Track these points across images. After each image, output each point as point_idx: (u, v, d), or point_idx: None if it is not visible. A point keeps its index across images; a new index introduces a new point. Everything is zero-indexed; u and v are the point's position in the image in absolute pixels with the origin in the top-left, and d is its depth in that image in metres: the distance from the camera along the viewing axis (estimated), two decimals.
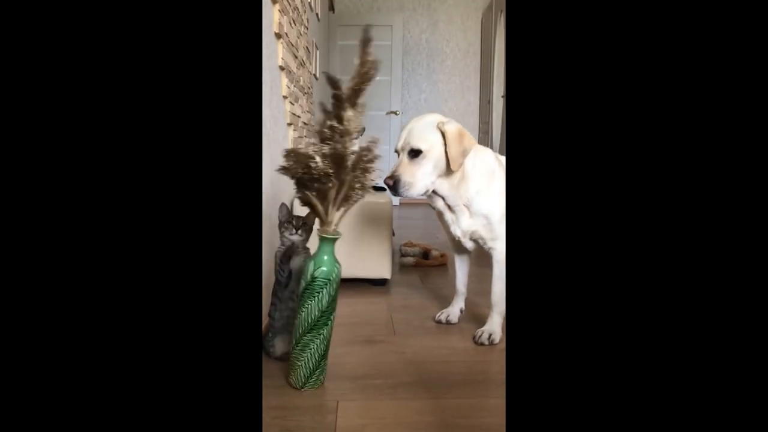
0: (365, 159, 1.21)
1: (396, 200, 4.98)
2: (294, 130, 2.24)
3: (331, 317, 1.24)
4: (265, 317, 1.52)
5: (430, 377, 1.30)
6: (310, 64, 3.13)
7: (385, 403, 1.17)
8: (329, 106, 1.21)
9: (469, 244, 1.65)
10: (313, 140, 3.03)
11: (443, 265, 2.61)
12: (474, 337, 1.57)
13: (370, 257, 2.12)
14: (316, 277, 1.20)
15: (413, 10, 5.48)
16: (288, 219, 1.41)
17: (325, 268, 1.21)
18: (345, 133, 1.17)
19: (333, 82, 1.18)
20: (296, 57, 2.34)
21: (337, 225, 1.24)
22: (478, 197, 1.53)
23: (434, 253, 2.66)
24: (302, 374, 1.21)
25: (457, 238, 1.64)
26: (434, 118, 1.48)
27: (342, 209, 1.24)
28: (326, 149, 1.16)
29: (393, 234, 2.59)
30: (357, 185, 1.22)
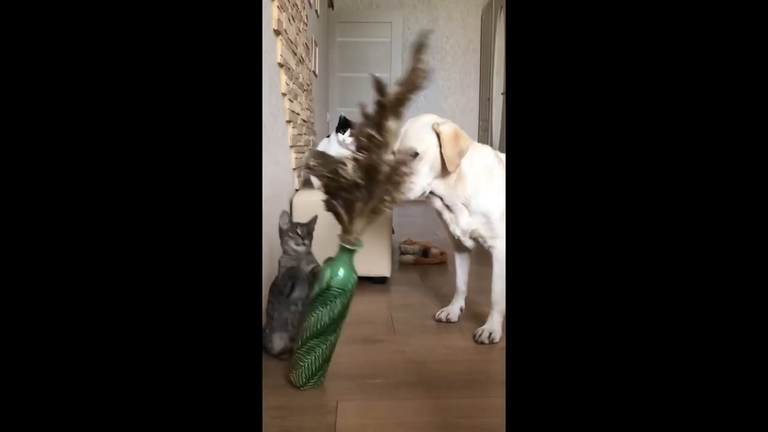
0: (399, 173, 1.13)
1: None
2: (293, 127, 2.23)
3: (341, 324, 1.22)
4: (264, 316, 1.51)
5: (431, 377, 1.30)
6: (310, 61, 3.11)
7: (385, 402, 1.16)
8: (370, 110, 1.12)
9: (469, 243, 1.64)
10: (312, 137, 3.02)
11: (443, 263, 2.60)
12: (474, 336, 1.56)
13: (369, 255, 2.11)
14: (331, 286, 1.17)
15: (413, 7, 5.46)
16: (292, 228, 1.39)
17: (341, 278, 1.18)
18: (383, 145, 1.09)
19: (379, 87, 1.10)
20: (295, 54, 2.33)
21: (359, 235, 1.19)
22: (476, 196, 1.52)
23: (434, 250, 2.65)
24: (304, 375, 1.20)
25: (456, 237, 1.63)
26: (430, 119, 1.47)
27: (367, 220, 1.18)
28: (361, 158, 1.09)
29: (393, 232, 2.58)
30: (387, 198, 1.15)
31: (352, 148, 2.16)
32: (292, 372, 1.22)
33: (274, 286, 1.40)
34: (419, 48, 1.12)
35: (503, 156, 1.65)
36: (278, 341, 1.38)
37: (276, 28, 1.80)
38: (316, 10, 3.63)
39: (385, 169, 1.11)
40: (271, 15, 1.76)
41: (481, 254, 1.71)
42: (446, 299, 1.89)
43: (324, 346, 1.20)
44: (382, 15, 5.40)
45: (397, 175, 1.13)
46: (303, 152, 2.51)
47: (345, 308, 1.20)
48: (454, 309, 1.75)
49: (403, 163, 1.14)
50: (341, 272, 1.18)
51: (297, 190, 2.23)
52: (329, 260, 1.21)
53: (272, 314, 1.37)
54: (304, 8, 2.70)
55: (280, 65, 1.92)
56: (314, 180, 2.23)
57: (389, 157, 1.12)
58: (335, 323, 1.19)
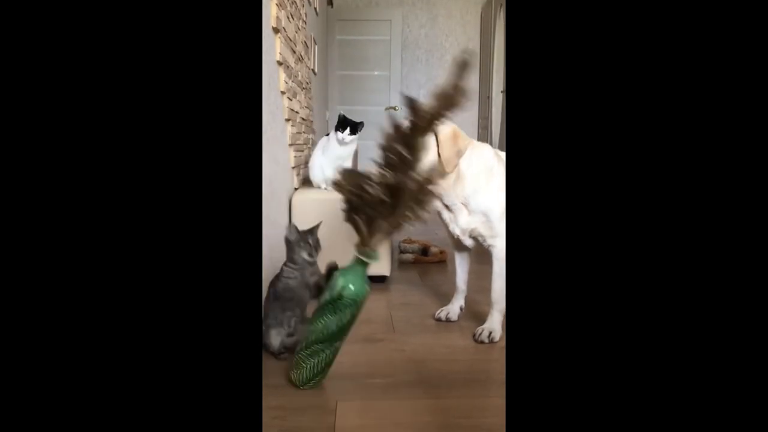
0: (425, 191, 1.09)
1: None
2: (292, 125, 2.22)
3: (348, 332, 1.21)
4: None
5: (430, 376, 1.29)
6: (309, 59, 3.10)
7: (385, 402, 1.15)
8: (402, 123, 1.07)
9: (468, 242, 1.64)
10: (311, 136, 3.00)
11: (443, 262, 2.60)
12: (474, 335, 1.56)
13: None
14: (343, 296, 1.15)
15: (412, 5, 5.44)
16: (303, 238, 1.37)
17: (354, 289, 1.16)
18: (412, 163, 1.05)
19: (413, 106, 1.06)
20: (294, 52, 2.32)
21: (376, 247, 1.16)
22: (475, 195, 1.52)
23: (433, 249, 2.65)
24: (305, 375, 1.20)
25: (456, 236, 1.63)
26: None
27: (386, 234, 1.15)
28: (388, 176, 1.05)
29: None
30: (410, 215, 1.11)
31: (353, 146, 2.16)
32: (293, 371, 1.22)
33: (272, 287, 1.40)
34: (463, 66, 1.08)
35: (503, 154, 1.65)
36: (275, 337, 1.37)
37: (275, 25, 1.79)
38: (315, 8, 3.62)
39: (412, 187, 1.07)
40: (269, 13, 1.75)
41: (480, 253, 1.70)
42: (446, 298, 1.88)
43: (328, 351, 1.19)
44: (382, 13, 5.38)
45: (422, 194, 1.09)
46: (302, 150, 2.50)
47: (354, 318, 1.18)
48: (454, 308, 1.74)
49: (430, 181, 1.10)
50: (355, 283, 1.15)
51: (296, 189, 2.22)
52: (343, 270, 1.19)
53: (269, 312, 1.37)
54: (303, 6, 2.68)
55: (279, 63, 1.91)
56: (314, 178, 2.22)
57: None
58: (342, 332, 1.19)
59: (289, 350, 1.38)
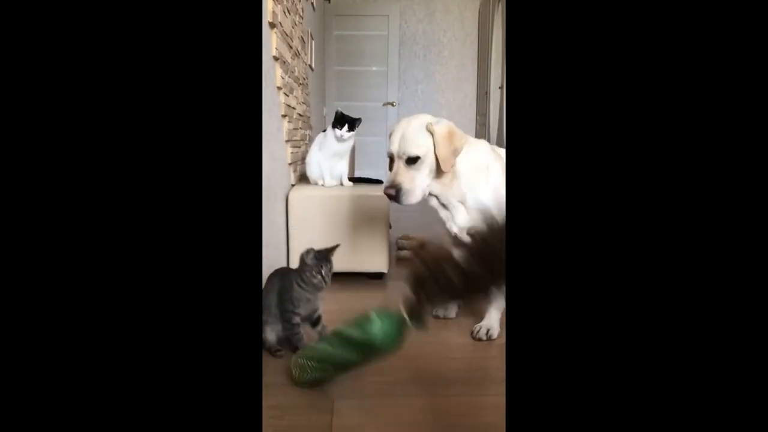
0: (498, 285, 0.99)
1: None
2: (289, 121, 2.20)
3: (352, 370, 1.18)
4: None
5: (428, 374, 1.28)
6: (306, 54, 3.08)
7: (382, 401, 1.15)
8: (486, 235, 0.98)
9: (467, 240, 1.63)
10: (308, 132, 2.98)
11: None
12: (472, 333, 1.55)
13: (366, 251, 2.10)
14: (374, 343, 1.08)
15: (410, 0, 5.42)
16: (322, 260, 1.34)
17: (386, 342, 1.09)
18: (498, 273, 0.92)
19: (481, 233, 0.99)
20: (291, 47, 2.30)
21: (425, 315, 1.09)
22: (473, 192, 1.51)
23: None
24: (306, 377, 1.18)
25: (453, 234, 1.62)
26: (424, 120, 1.44)
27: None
28: (473, 266, 0.93)
29: (390, 227, 2.56)
30: (472, 302, 1.04)
31: (350, 143, 2.14)
32: (294, 369, 1.20)
33: (270, 283, 1.38)
34: None
35: (501, 151, 1.64)
36: (270, 333, 1.37)
37: (271, 20, 1.77)
38: (312, 3, 3.60)
39: (491, 283, 0.98)
40: (266, 7, 1.73)
41: None
42: None
43: (338, 370, 1.17)
44: (379, 8, 5.35)
45: (497, 287, 0.99)
46: (299, 147, 2.49)
47: (367, 362, 1.15)
48: (452, 305, 1.74)
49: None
50: (389, 336, 1.09)
51: (293, 185, 2.21)
52: (381, 314, 1.10)
53: (265, 307, 1.36)
54: (299, 1, 2.66)
55: (276, 59, 1.89)
56: (311, 174, 2.20)
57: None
58: (346, 369, 1.16)
59: (283, 345, 1.38)
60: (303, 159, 2.53)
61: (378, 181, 2.39)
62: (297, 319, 1.34)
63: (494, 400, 1.16)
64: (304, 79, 2.90)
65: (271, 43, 1.83)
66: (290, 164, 2.23)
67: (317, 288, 1.35)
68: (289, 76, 2.22)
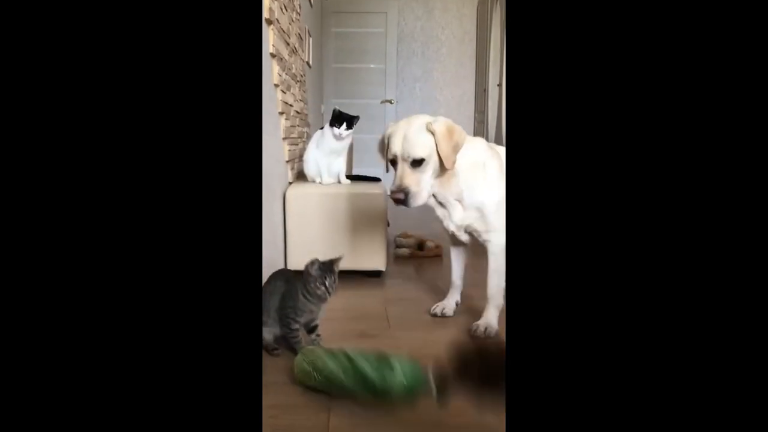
0: None
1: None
2: (286, 119, 2.19)
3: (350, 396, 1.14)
4: None
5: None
6: (303, 51, 3.07)
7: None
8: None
9: (464, 237, 1.63)
10: (306, 129, 2.97)
11: (438, 257, 2.58)
12: (470, 331, 1.54)
13: (364, 249, 2.09)
14: (390, 393, 1.03)
15: None
16: (327, 271, 1.32)
17: (401, 398, 1.04)
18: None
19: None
20: (288, 44, 2.28)
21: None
22: (469, 190, 1.50)
23: (429, 244, 2.63)
24: (308, 385, 1.16)
25: (451, 232, 1.62)
26: (423, 121, 1.43)
27: None
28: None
29: (388, 225, 2.55)
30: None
31: (348, 140, 2.13)
32: (299, 372, 1.17)
33: (269, 284, 1.38)
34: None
35: (499, 148, 1.63)
36: (268, 333, 1.36)
37: (268, 17, 1.76)
38: (310, 0, 3.58)
39: None
40: (262, 3, 1.71)
41: (477, 247, 1.69)
42: (442, 293, 1.87)
43: (341, 393, 1.12)
44: (377, 5, 5.33)
45: None
46: (296, 144, 2.48)
47: (368, 399, 1.09)
48: (450, 303, 1.73)
49: None
50: (407, 395, 1.04)
51: (290, 183, 2.20)
52: (405, 364, 1.06)
53: (263, 307, 1.35)
54: None
55: (273, 55, 1.88)
56: (308, 171, 2.19)
57: None
58: (345, 394, 1.11)
59: (280, 344, 1.37)
60: (301, 156, 2.51)
61: (376, 179, 2.38)
62: (297, 326, 1.34)
63: (492, 398, 1.15)
64: (301, 76, 2.89)
65: (268, 39, 1.82)
66: (287, 162, 2.22)
67: (321, 299, 1.34)
68: (286, 73, 2.20)
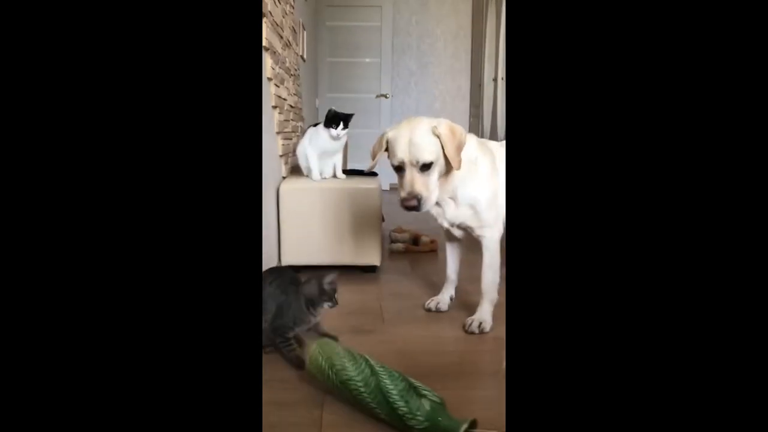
0: None
1: (386, 185, 4.93)
2: (279, 113, 2.17)
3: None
4: None
5: (420, 368, 1.27)
6: (297, 45, 3.04)
7: None
8: None
9: (458, 233, 1.64)
10: (300, 123, 2.95)
11: (433, 251, 2.58)
12: (464, 326, 1.54)
13: (359, 244, 2.08)
14: (413, 418, 0.96)
15: None
16: (327, 295, 1.32)
17: (424, 428, 0.97)
18: None
19: None
20: (282, 37, 2.26)
21: None
22: (462, 187, 1.50)
23: (424, 239, 2.63)
24: (318, 376, 1.12)
25: (445, 229, 1.62)
26: (428, 124, 1.42)
27: None
28: None
29: (383, 220, 2.54)
30: None
31: (344, 139, 2.12)
32: (310, 361, 1.13)
33: (266, 282, 1.36)
34: None
35: (490, 144, 1.63)
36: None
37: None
38: None
39: None
40: None
41: (472, 242, 1.68)
42: (437, 288, 1.87)
43: (352, 401, 1.08)
44: None
45: None
46: (290, 138, 2.46)
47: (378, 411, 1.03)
48: (444, 298, 1.73)
49: None
50: (432, 429, 0.97)
51: (284, 178, 2.19)
52: (443, 411, 0.99)
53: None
54: None
55: (266, 49, 1.86)
56: (302, 164, 2.18)
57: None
58: (376, 415, 1.04)
59: (272, 345, 1.36)
60: (295, 151, 2.50)
61: (372, 174, 2.38)
62: (292, 334, 1.33)
63: (487, 393, 1.15)
64: (295, 70, 2.87)
65: (261, 32, 1.79)
66: (281, 156, 2.20)
67: (325, 310, 1.35)
68: (279, 67, 2.18)
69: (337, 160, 2.15)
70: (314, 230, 2.05)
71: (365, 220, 2.07)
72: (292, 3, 2.73)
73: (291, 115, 2.54)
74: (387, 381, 1.02)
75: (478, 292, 1.60)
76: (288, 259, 2.05)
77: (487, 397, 1.13)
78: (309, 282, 1.33)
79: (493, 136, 4.13)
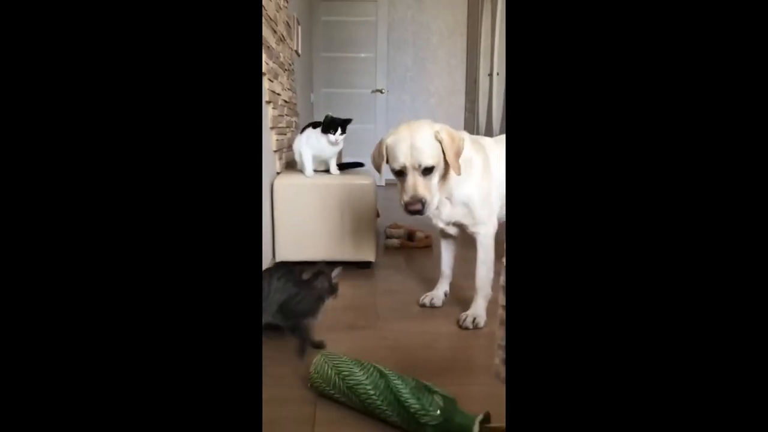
0: None
1: (381, 180, 4.93)
2: (273, 108, 2.16)
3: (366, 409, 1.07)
4: None
5: (414, 364, 1.27)
6: (291, 39, 3.03)
7: None
8: None
9: (452, 230, 1.65)
10: (295, 119, 2.94)
11: (428, 247, 2.58)
12: (458, 321, 1.54)
13: (354, 240, 2.07)
14: (426, 414, 0.95)
15: None
16: (333, 289, 1.38)
17: (437, 423, 0.95)
18: None
19: None
20: (275, 32, 2.25)
21: None
22: (458, 187, 1.52)
23: (419, 234, 2.62)
24: (323, 386, 1.09)
25: (440, 229, 1.63)
26: (430, 129, 1.43)
27: None
28: None
29: (378, 215, 2.54)
30: None
31: (341, 143, 2.12)
32: (315, 371, 1.10)
33: (275, 281, 1.37)
34: None
35: (483, 140, 1.64)
36: (264, 317, 1.35)
37: None
38: None
39: None
40: None
41: (466, 238, 1.68)
42: (431, 283, 1.86)
43: (360, 406, 1.06)
44: None
45: None
46: (284, 134, 2.45)
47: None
48: (439, 294, 1.73)
49: None
50: (446, 424, 0.95)
51: (278, 173, 2.17)
52: (450, 403, 0.98)
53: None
54: None
55: None
56: (297, 158, 2.17)
57: None
58: (385, 419, 1.02)
59: (272, 327, 1.37)
60: (289, 146, 2.49)
61: (359, 164, 2.39)
62: (306, 322, 1.35)
63: (481, 389, 1.15)
64: (289, 64, 2.85)
65: None
66: (275, 152, 2.19)
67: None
68: (273, 62, 2.17)
69: (332, 160, 2.16)
70: (309, 226, 2.05)
71: (360, 215, 2.07)
72: None
73: (285, 110, 2.53)
74: (397, 381, 1.01)
75: (472, 288, 1.60)
76: (282, 255, 2.05)
77: (482, 393, 1.13)
78: (321, 277, 1.36)
79: (489, 132, 4.13)
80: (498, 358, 0.73)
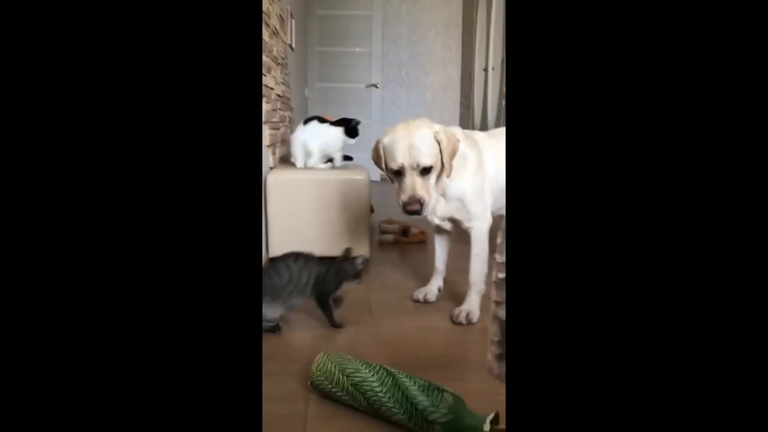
0: None
1: (376, 176, 4.92)
2: (266, 102, 2.14)
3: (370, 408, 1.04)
4: None
5: (407, 360, 1.27)
6: (285, 33, 3.00)
7: None
8: None
9: (447, 226, 1.65)
10: (288, 113, 2.92)
11: (423, 242, 2.57)
12: (452, 317, 1.54)
13: (348, 235, 2.06)
14: (435, 412, 0.93)
15: None
16: (357, 274, 1.48)
17: (447, 422, 0.93)
18: None
19: None
20: (268, 25, 2.23)
21: None
22: (452, 183, 1.52)
23: (414, 230, 2.62)
24: (325, 384, 1.06)
25: (435, 225, 1.63)
26: (429, 129, 1.42)
27: None
28: None
29: (372, 211, 2.53)
30: None
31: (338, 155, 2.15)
32: (318, 369, 1.07)
33: (267, 277, 1.37)
34: None
35: (476, 135, 1.64)
36: (274, 312, 1.39)
37: None
38: None
39: None
40: None
41: (461, 233, 1.68)
42: (425, 279, 1.86)
43: (366, 407, 1.02)
44: None
45: None
46: (278, 128, 2.43)
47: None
48: (432, 289, 1.73)
49: None
50: (456, 422, 0.93)
51: (271, 168, 2.16)
52: (459, 401, 0.96)
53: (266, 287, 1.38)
54: None
55: None
56: (294, 153, 2.16)
57: None
58: (395, 421, 0.99)
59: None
60: (282, 141, 2.47)
61: (347, 158, 2.40)
62: (332, 298, 1.47)
63: (474, 385, 1.14)
64: (283, 59, 2.83)
65: None
66: (269, 146, 2.17)
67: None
68: (266, 56, 2.15)
69: (338, 153, 2.22)
70: (302, 221, 2.04)
71: (354, 211, 2.06)
72: None
73: (279, 105, 2.51)
74: (405, 379, 0.99)
75: (466, 283, 1.59)
76: (276, 251, 2.04)
77: (474, 390, 1.12)
78: (349, 261, 1.47)
79: (484, 127, 4.12)
80: (491, 353, 0.72)
